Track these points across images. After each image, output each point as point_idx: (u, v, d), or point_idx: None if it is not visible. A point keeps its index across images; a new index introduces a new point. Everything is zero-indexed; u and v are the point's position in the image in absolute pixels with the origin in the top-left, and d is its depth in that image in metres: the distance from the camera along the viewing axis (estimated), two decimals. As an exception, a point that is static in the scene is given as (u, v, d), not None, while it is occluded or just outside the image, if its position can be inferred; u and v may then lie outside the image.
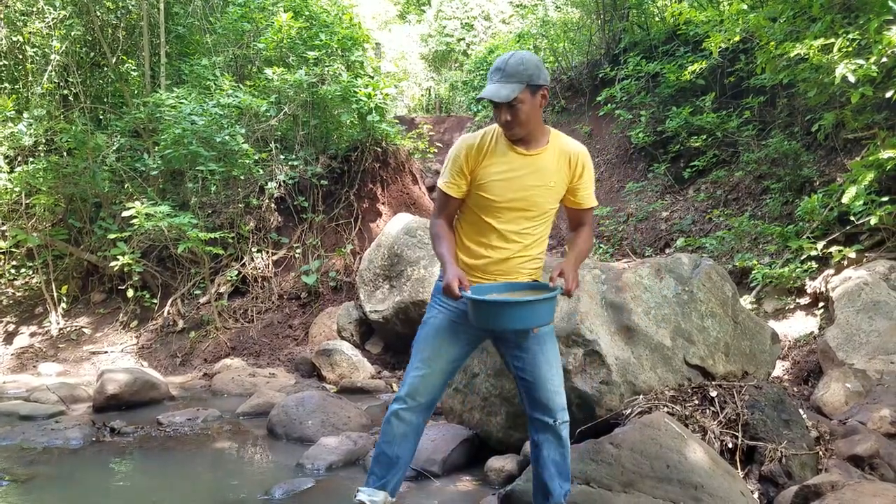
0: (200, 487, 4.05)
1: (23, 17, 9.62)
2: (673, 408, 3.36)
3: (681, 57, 8.76)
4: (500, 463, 3.84)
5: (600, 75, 9.97)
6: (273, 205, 8.71)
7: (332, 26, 9.49)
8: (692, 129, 8.06)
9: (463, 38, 18.89)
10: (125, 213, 7.49)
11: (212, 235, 7.67)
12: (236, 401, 5.99)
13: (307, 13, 9.72)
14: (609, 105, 9.36)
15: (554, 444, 2.85)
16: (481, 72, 16.08)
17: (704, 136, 7.86)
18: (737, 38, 6.85)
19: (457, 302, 2.78)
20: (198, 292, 8.33)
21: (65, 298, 8.75)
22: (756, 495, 3.13)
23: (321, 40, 9.08)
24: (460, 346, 2.89)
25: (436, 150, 10.41)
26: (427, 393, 2.85)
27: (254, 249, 8.46)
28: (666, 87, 8.71)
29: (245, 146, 8.04)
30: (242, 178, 8.43)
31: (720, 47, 6.87)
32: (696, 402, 3.46)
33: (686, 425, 3.26)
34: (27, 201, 8.60)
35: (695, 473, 2.86)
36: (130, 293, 8.19)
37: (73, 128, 8.56)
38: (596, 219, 8.43)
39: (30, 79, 9.86)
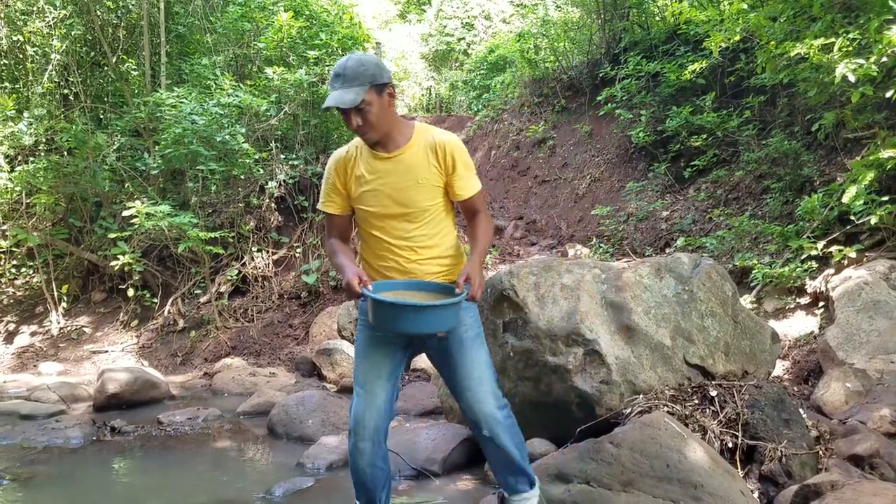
0: (201, 486, 4.06)
1: (23, 17, 9.62)
2: (673, 407, 3.36)
3: (681, 56, 8.75)
4: (500, 462, 3.84)
5: (600, 75, 9.96)
6: (273, 204, 8.72)
7: (333, 26, 9.50)
8: (692, 129, 8.05)
9: (463, 38, 18.90)
10: (126, 213, 7.50)
11: (212, 235, 7.68)
12: (237, 400, 6.00)
13: (307, 13, 9.73)
14: (609, 104, 9.36)
15: (493, 449, 2.78)
16: (482, 71, 16.09)
17: (705, 136, 7.86)
18: (737, 38, 6.84)
19: (418, 332, 2.67)
20: (198, 292, 8.34)
21: (65, 298, 8.76)
22: (756, 495, 3.13)
23: (321, 40, 9.08)
24: (392, 359, 2.79)
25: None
26: (373, 418, 2.73)
27: (254, 249, 8.46)
28: (666, 86, 8.71)
29: (245, 146, 8.05)
30: (243, 177, 8.44)
31: (720, 47, 6.86)
32: (696, 401, 3.46)
33: (686, 425, 3.26)
34: (28, 200, 8.61)
35: (695, 473, 2.86)
36: (131, 292, 8.20)
37: (74, 127, 8.57)
38: (595, 218, 8.43)
39: (30, 78, 9.86)
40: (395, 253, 2.76)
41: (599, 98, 9.64)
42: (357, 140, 2.82)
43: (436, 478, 3.91)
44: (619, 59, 9.97)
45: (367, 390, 2.75)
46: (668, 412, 3.28)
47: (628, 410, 3.43)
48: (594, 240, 8.08)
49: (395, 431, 4.36)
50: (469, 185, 2.81)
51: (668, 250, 7.15)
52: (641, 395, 3.48)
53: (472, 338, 2.76)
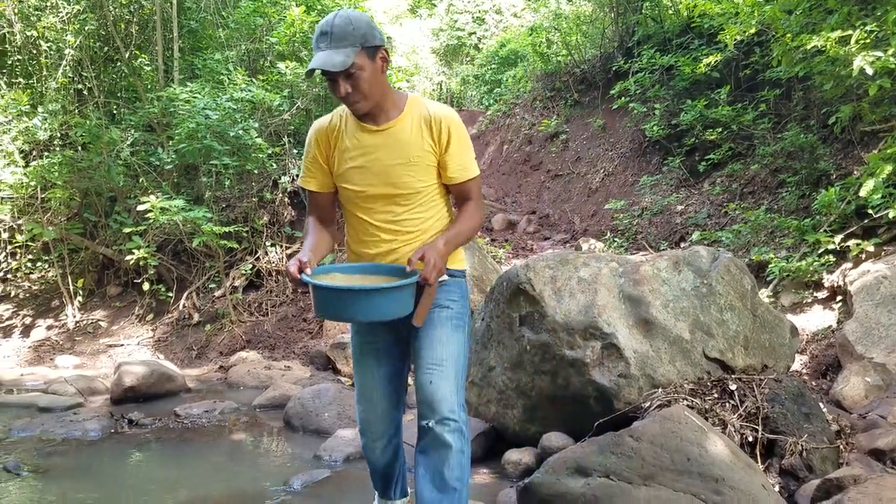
0: (219, 478, 4.08)
1: (37, 12, 9.65)
2: (692, 401, 3.36)
3: (695, 50, 8.70)
4: (518, 456, 3.85)
5: (614, 68, 9.92)
6: (286, 199, 8.73)
7: (345, 20, 9.47)
8: (707, 122, 8.02)
9: (474, 32, 18.85)
10: (140, 207, 7.52)
11: (226, 229, 7.69)
12: (252, 393, 6.03)
13: (319, 7, 9.72)
14: (623, 98, 9.32)
15: (431, 451, 2.38)
16: (493, 66, 16.06)
17: (720, 130, 7.82)
18: (752, 31, 6.79)
19: (365, 320, 2.47)
20: (213, 286, 8.36)
21: (81, 292, 8.80)
22: (777, 489, 3.12)
23: (334, 34, 9.06)
24: (384, 363, 2.59)
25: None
26: (378, 421, 2.61)
27: (268, 243, 8.48)
28: (680, 79, 8.67)
29: (258, 140, 8.06)
30: (256, 172, 8.45)
31: (735, 40, 6.82)
32: (716, 395, 3.45)
33: (706, 418, 3.25)
34: (43, 195, 8.64)
35: (715, 466, 2.85)
36: (146, 287, 8.22)
37: (88, 122, 8.59)
38: (609, 213, 8.40)
39: (44, 73, 9.88)
40: (380, 238, 2.49)
41: (613, 92, 9.59)
42: (342, 108, 2.51)
43: (453, 471, 3.91)
44: (633, 52, 9.93)
45: (367, 397, 2.61)
46: (687, 406, 3.27)
47: (647, 404, 3.43)
48: (608, 234, 8.06)
49: (411, 425, 4.36)
50: (464, 166, 2.48)
51: (682, 244, 7.13)
52: (660, 389, 3.48)
53: (446, 317, 2.47)
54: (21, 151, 8.82)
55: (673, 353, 3.63)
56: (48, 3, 9.56)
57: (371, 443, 2.66)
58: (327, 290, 2.21)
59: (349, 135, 2.46)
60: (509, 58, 15.26)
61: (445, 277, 2.50)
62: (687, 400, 3.35)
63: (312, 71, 2.30)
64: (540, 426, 3.93)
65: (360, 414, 2.65)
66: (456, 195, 2.56)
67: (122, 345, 7.96)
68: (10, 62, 9.89)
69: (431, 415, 2.36)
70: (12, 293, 9.14)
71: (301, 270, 2.27)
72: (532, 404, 3.96)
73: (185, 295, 8.22)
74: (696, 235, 6.94)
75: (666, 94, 8.92)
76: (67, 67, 9.58)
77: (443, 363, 2.40)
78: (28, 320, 8.76)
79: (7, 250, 9.21)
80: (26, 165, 8.64)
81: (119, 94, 10.23)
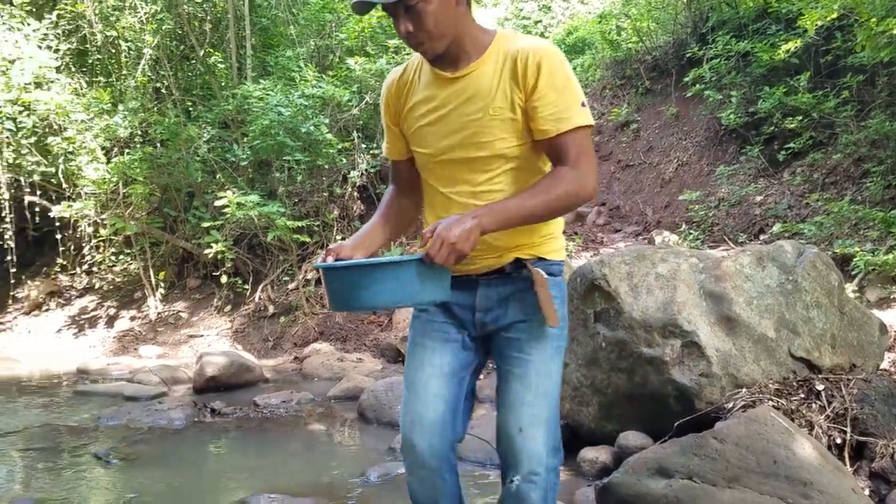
0: (298, 468, 4.19)
1: (115, 13, 10.00)
2: (778, 402, 3.27)
3: (772, 35, 8.41)
4: (594, 454, 3.81)
5: (687, 55, 9.66)
6: (356, 193, 8.85)
7: (413, 13, 9.51)
8: (786, 110, 7.74)
9: (540, 21, 18.66)
10: (217, 203, 7.75)
11: (299, 224, 7.87)
12: (326, 384, 6.15)
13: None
14: (697, 86, 9.07)
15: None
16: (559, 54, 15.88)
17: (800, 118, 7.55)
18: (834, 16, 6.54)
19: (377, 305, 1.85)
20: (286, 279, 8.55)
21: (162, 284, 9.13)
22: (867, 493, 3.02)
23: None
24: (452, 351, 1.99)
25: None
26: (424, 436, 1.94)
27: (338, 237, 8.61)
28: (757, 66, 8.39)
29: (329, 136, 8.19)
30: (326, 167, 8.59)
31: (816, 25, 6.57)
32: (802, 395, 3.35)
33: (792, 419, 3.16)
34: (124, 191, 8.97)
35: (803, 469, 2.77)
36: (224, 279, 8.47)
37: (166, 120, 8.88)
38: (683, 204, 8.21)
39: (124, 72, 10.25)
40: (449, 214, 1.85)
41: (686, 79, 9.34)
42: (419, 56, 1.94)
43: (528, 467, 3.90)
44: (707, 38, 9.65)
45: (415, 391, 1.98)
46: (773, 407, 3.18)
47: (730, 405, 3.35)
48: (683, 226, 7.88)
49: (484, 420, 4.37)
50: (559, 114, 1.79)
51: (762, 237, 6.92)
52: (744, 389, 3.39)
53: (549, 337, 1.93)
54: (103, 148, 9.18)
55: (757, 352, 3.53)
56: (126, 4, 9.88)
57: (414, 472, 1.99)
58: (327, 272, 1.82)
59: (423, 87, 1.94)
60: (577, 46, 15.02)
61: (545, 276, 1.90)
62: (772, 400, 3.27)
63: (365, 6, 1.76)
64: (616, 424, 3.88)
65: (402, 419, 1.99)
66: (551, 155, 1.87)
67: (202, 335, 8.23)
68: (90, 61, 10.27)
69: (517, 469, 1.89)
70: (97, 285, 9.56)
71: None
72: (608, 402, 3.92)
73: (260, 287, 8.43)
74: (777, 227, 6.73)
75: (742, 81, 8.65)
76: (146, 66, 9.91)
77: (537, 402, 1.89)
78: (112, 311, 9.14)
79: (91, 244, 9.61)
80: (108, 162, 8.99)
81: (195, 92, 10.53)
